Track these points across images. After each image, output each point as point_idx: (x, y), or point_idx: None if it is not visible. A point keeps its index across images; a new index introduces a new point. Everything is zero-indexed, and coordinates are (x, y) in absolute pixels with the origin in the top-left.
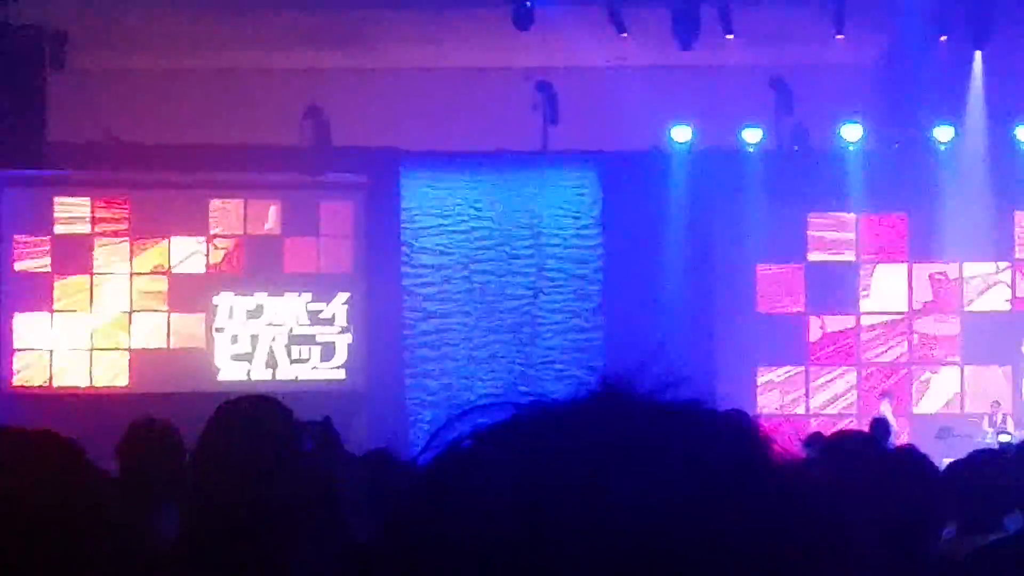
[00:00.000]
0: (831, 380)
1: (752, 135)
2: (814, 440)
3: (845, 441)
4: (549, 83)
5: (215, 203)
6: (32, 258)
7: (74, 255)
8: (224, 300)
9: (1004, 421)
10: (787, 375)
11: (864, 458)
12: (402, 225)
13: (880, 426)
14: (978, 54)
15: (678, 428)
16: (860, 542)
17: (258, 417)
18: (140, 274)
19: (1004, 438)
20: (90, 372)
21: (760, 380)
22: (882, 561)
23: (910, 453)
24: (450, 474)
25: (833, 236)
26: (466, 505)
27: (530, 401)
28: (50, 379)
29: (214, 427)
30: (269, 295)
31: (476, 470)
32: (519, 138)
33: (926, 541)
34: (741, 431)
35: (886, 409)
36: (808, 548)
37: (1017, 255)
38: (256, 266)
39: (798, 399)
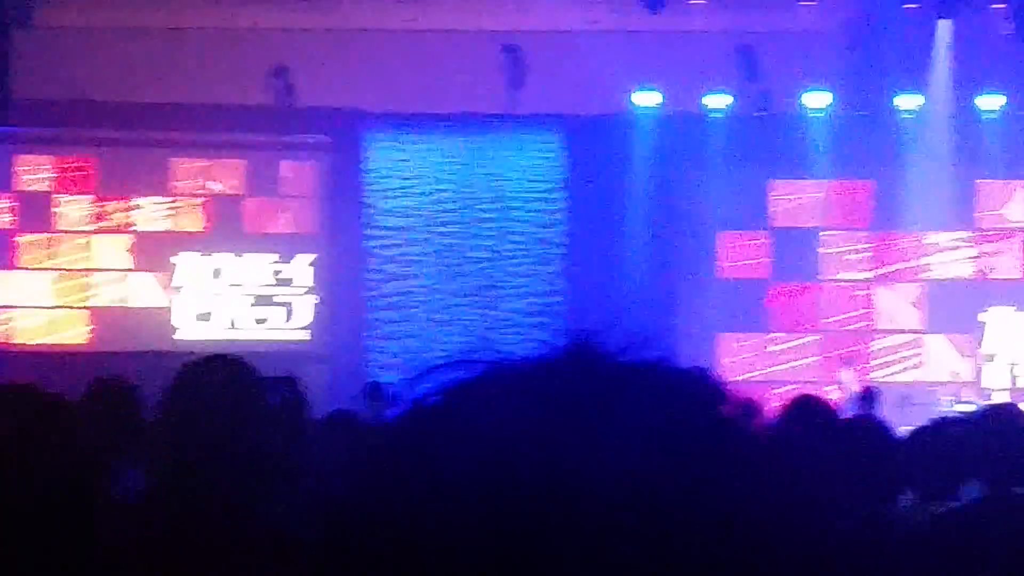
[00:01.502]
0: (792, 347)
1: (718, 101)
2: (747, 408)
3: (804, 407)
4: (516, 46)
5: (178, 162)
6: None
7: (36, 213)
8: (186, 259)
9: (963, 390)
10: (748, 341)
11: (823, 424)
12: (366, 187)
13: (868, 395)
14: (944, 23)
15: (646, 386)
16: (820, 506)
17: (224, 375)
18: (102, 232)
19: (963, 407)
20: (50, 329)
21: (721, 346)
22: (840, 527)
23: (868, 421)
24: (417, 431)
25: (797, 203)
26: (433, 462)
27: (497, 359)
28: (9, 336)
29: (179, 385)
30: (232, 255)
31: (443, 427)
32: (485, 101)
33: (884, 508)
34: (708, 390)
35: (846, 377)
36: (771, 510)
37: (979, 224)
38: (219, 226)
39: (759, 365)
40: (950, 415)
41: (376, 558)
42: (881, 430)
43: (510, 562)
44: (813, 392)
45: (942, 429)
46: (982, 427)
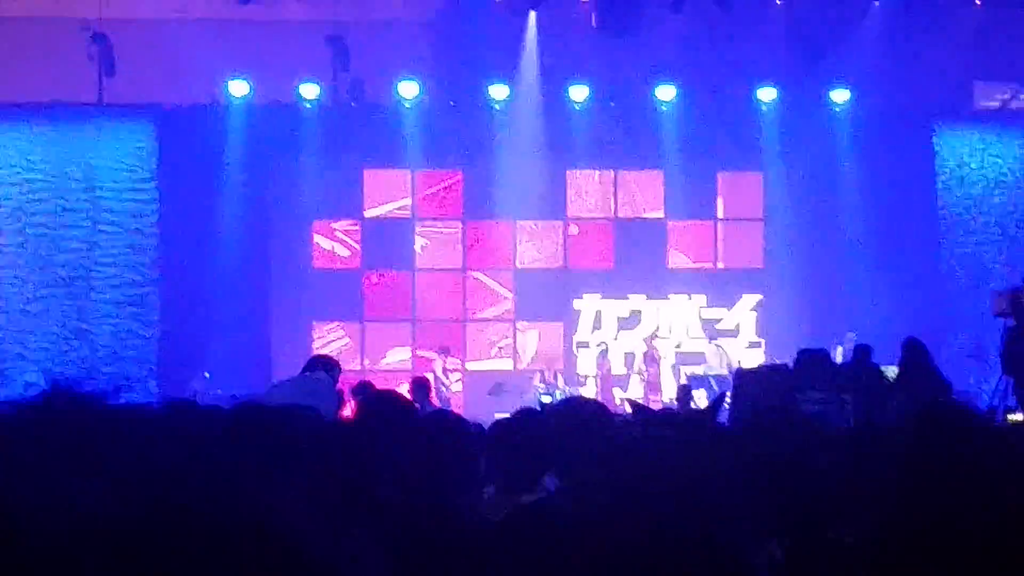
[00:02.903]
0: (386, 335)
1: (309, 90)
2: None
3: (378, 402)
4: (105, 34)
5: None
6: None
7: None
8: None
9: (555, 378)
10: (343, 329)
11: (397, 419)
12: None
13: (417, 386)
14: (532, 14)
15: (124, 431)
16: (383, 505)
17: None
18: None
19: (546, 399)
20: None
21: (316, 336)
22: (414, 522)
23: (444, 415)
24: None
25: (390, 192)
26: None
27: None
28: None
29: None
30: None
31: None
32: (75, 89)
33: (461, 501)
34: (181, 427)
35: (439, 366)
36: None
37: (569, 212)
38: None
39: (354, 355)
40: (533, 406)
41: None
42: (456, 423)
43: None
44: (387, 384)
45: (523, 420)
46: (560, 419)
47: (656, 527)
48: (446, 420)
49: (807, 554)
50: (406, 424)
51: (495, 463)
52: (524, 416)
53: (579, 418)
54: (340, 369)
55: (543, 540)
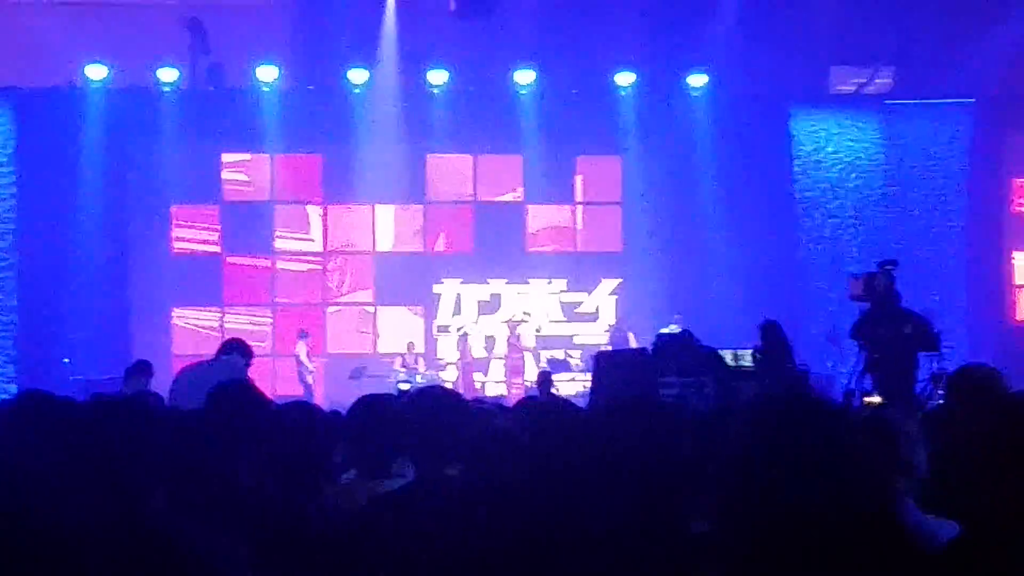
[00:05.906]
0: (247, 320)
1: (168, 74)
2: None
3: (229, 391)
4: None
5: None
6: None
7: None
8: None
9: (416, 362)
10: (204, 315)
11: (251, 407)
12: None
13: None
14: None
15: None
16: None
17: None
18: None
19: (404, 385)
20: None
21: (175, 321)
22: (271, 513)
23: (297, 406)
24: None
25: (249, 176)
26: None
27: None
28: None
29: None
30: None
31: None
32: None
33: (318, 487)
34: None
35: (302, 349)
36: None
37: (428, 196)
38: None
39: (214, 340)
40: (387, 393)
41: None
42: (310, 411)
43: None
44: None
45: (375, 407)
46: (414, 407)
47: (509, 528)
48: (298, 411)
49: (669, 550)
50: (259, 416)
51: (353, 449)
52: (376, 402)
53: (432, 407)
54: (253, 355)
55: (395, 533)
